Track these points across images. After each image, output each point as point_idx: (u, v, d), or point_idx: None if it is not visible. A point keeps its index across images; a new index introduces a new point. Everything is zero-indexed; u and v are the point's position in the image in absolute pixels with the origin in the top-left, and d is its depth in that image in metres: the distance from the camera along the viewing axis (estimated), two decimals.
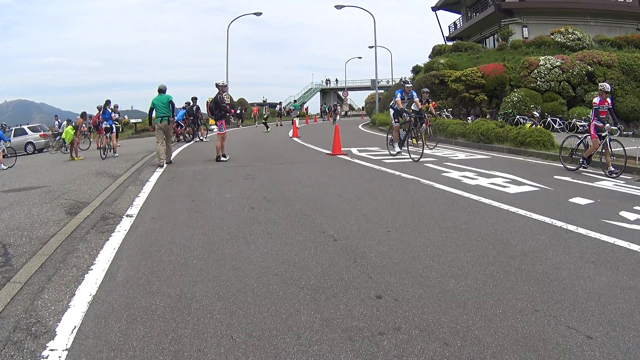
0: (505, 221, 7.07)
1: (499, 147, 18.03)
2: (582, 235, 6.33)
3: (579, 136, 13.02)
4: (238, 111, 47.19)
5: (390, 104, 16.89)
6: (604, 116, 11.98)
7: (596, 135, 11.92)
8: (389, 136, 16.97)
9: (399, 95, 16.03)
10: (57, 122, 33.93)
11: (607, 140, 11.68)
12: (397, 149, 16.05)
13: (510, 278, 4.77)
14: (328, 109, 60.44)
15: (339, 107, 67.71)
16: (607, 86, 12.21)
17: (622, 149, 11.78)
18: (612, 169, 11.60)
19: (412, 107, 16.61)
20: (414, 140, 16.98)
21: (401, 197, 8.87)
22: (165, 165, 14.68)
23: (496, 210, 7.79)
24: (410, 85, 16.35)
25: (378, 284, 4.62)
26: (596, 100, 12.15)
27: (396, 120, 16.10)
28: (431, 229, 6.63)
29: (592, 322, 3.80)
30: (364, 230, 6.54)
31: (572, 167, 12.60)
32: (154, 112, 15.39)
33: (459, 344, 3.47)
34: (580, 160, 12.41)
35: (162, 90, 15.67)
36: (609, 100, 12.14)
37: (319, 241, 6.07)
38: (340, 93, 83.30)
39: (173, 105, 16.04)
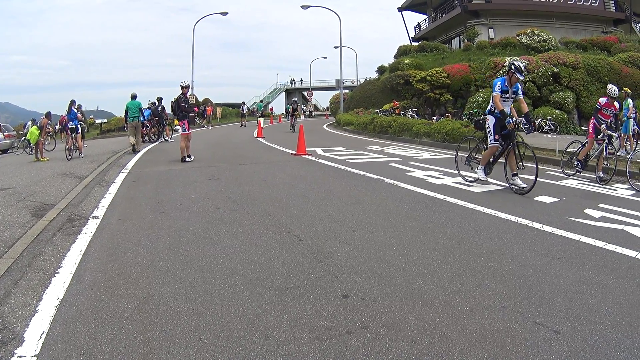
0: (470, 220, 7.21)
1: (464, 146, 18.13)
2: (547, 232, 6.50)
3: (582, 141, 12.39)
4: (201, 110, 46.77)
5: (489, 107, 10.23)
6: (606, 119, 11.24)
7: (593, 135, 11.39)
8: (476, 156, 10.90)
9: (498, 85, 9.77)
10: None
11: (605, 145, 11.14)
12: (483, 175, 10.15)
13: (477, 276, 4.87)
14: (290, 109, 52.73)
15: (303, 106, 63.82)
16: (613, 90, 11.09)
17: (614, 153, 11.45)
18: (602, 175, 11.01)
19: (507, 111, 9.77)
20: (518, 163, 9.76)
21: (366, 197, 8.96)
22: (139, 152, 19.39)
23: (461, 209, 7.94)
24: (523, 76, 9.76)
25: (344, 283, 4.68)
26: (601, 100, 11.41)
27: (496, 137, 9.83)
28: (397, 228, 6.72)
29: (559, 317, 3.91)
30: (329, 230, 6.60)
31: (571, 172, 12.01)
32: (128, 113, 20.90)
33: (426, 342, 3.53)
34: (575, 163, 11.86)
35: (134, 97, 21.24)
36: (616, 104, 11.26)
37: (285, 241, 6.11)
38: (305, 93, 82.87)
39: (142, 109, 21.85)
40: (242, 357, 3.35)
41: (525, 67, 9.84)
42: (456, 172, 11.02)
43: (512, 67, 9.53)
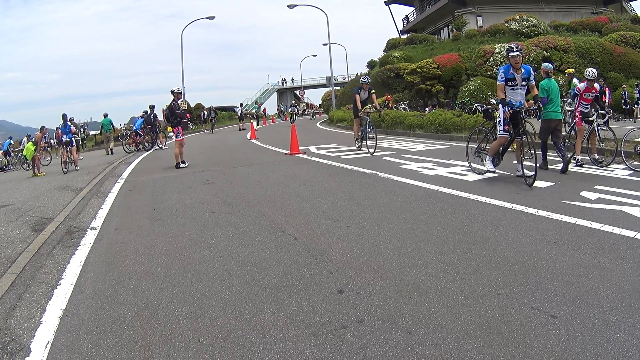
0: (465, 209, 7.26)
1: (457, 136, 18.14)
2: (542, 217, 6.52)
3: (570, 122, 12.34)
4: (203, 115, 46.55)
5: (498, 99, 9.60)
6: (589, 104, 11.00)
7: (582, 123, 11.05)
8: (486, 146, 10.29)
9: (501, 74, 9.42)
10: None
11: (595, 126, 10.92)
12: (491, 166, 9.66)
13: (472, 264, 4.91)
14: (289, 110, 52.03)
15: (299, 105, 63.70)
16: (593, 72, 10.91)
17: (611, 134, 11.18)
18: (597, 157, 10.84)
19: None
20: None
21: (360, 192, 9.00)
22: (111, 155, 25.07)
23: (455, 198, 7.99)
24: (517, 51, 9.21)
25: (339, 279, 4.74)
26: (581, 85, 11.11)
27: (505, 127, 9.39)
28: (390, 221, 6.78)
29: (555, 301, 3.93)
30: (323, 228, 6.66)
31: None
32: (103, 128, 29.00)
33: (422, 332, 3.58)
34: (576, 159, 10.95)
35: (105, 116, 28.46)
36: (596, 86, 11.05)
37: (280, 241, 6.18)
38: (297, 92, 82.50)
39: (112, 124, 29.62)
40: (240, 357, 3.43)
41: (516, 45, 9.24)
42: (449, 162, 11.05)
43: (504, 51, 8.79)
